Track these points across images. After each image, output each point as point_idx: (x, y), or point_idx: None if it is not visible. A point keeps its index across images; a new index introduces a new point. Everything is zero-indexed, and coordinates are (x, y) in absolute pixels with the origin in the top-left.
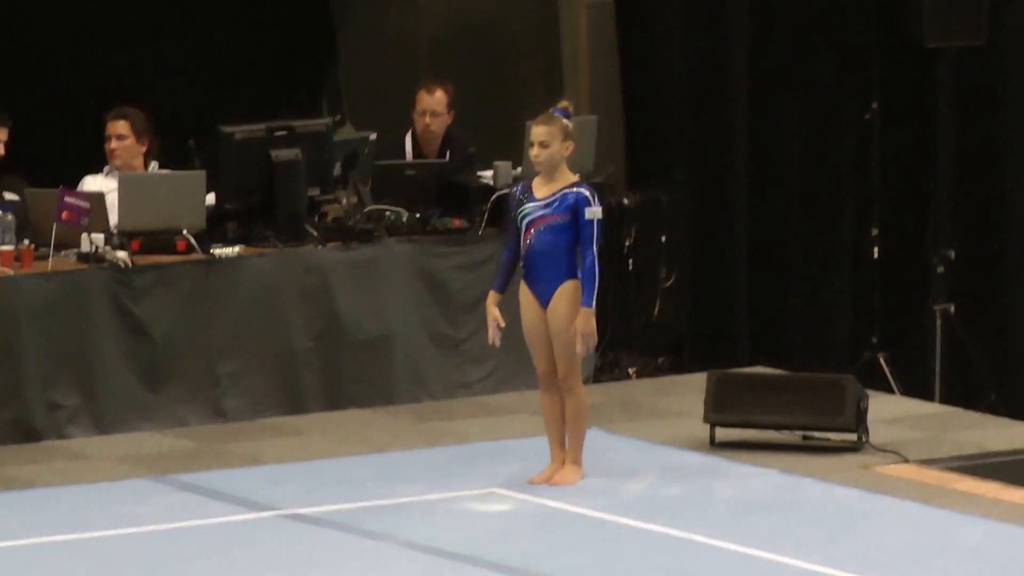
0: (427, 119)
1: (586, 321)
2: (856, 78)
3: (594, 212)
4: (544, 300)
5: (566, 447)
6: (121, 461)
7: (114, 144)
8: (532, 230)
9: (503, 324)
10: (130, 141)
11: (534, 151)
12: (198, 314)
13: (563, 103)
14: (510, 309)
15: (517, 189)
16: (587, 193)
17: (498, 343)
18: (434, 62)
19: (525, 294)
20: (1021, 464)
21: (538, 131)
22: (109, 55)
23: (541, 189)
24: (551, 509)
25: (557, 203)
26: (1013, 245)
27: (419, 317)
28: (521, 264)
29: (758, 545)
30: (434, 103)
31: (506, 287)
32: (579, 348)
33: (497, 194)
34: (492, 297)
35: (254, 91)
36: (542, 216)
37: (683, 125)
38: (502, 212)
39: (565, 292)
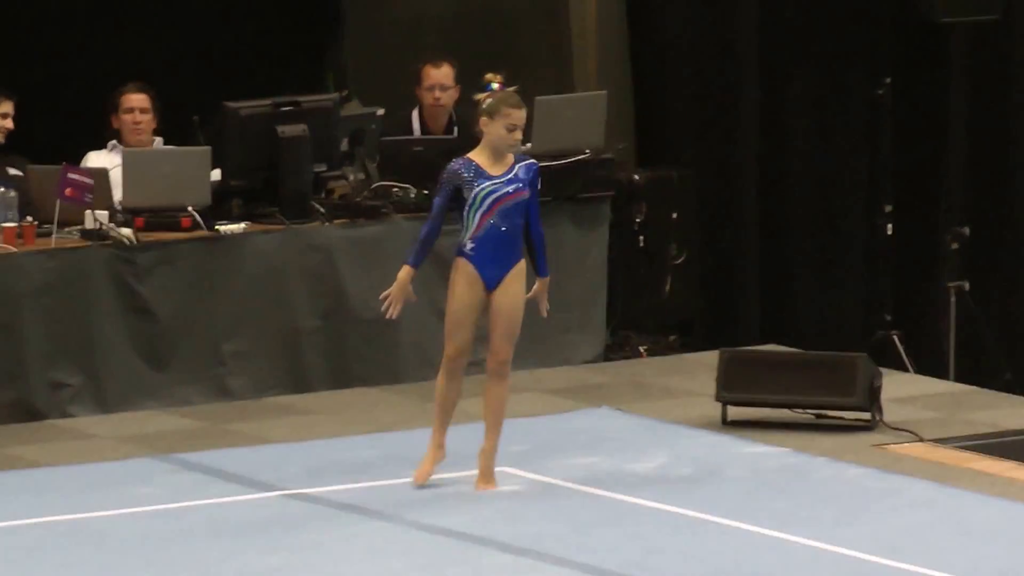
0: (436, 93)
1: (547, 289)
2: (868, 53)
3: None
4: (493, 283)
5: (485, 440)
6: (124, 441)
7: (139, 117)
8: (497, 209)
9: (415, 299)
10: (151, 115)
11: (517, 135)
12: (203, 292)
13: (490, 76)
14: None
15: (459, 165)
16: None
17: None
18: (441, 38)
19: (469, 274)
20: None
21: (523, 115)
22: (112, 31)
23: (493, 167)
24: (561, 489)
25: (516, 177)
26: None
27: (426, 295)
28: (472, 245)
29: (770, 525)
30: (442, 76)
31: (422, 263)
32: (546, 313)
33: None
34: (407, 272)
35: (260, 66)
36: (509, 194)
37: (693, 102)
38: None
39: (518, 273)
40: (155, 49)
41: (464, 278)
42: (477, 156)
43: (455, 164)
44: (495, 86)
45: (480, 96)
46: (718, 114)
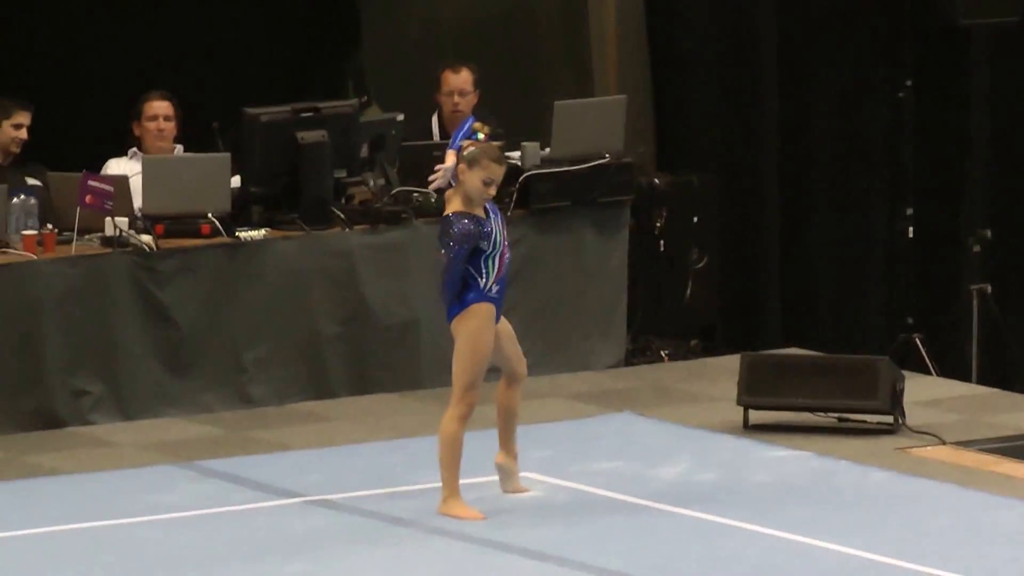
0: (455, 99)
1: None
2: (889, 56)
3: None
4: (497, 318)
5: (513, 446)
6: (146, 448)
7: (163, 124)
8: (506, 246)
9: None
10: (174, 123)
11: (492, 190)
12: (223, 299)
13: (478, 126)
14: None
15: (469, 223)
16: None
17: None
18: (460, 42)
19: (492, 318)
20: None
21: (502, 172)
22: (131, 38)
23: (479, 211)
24: (584, 494)
25: (495, 212)
26: None
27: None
28: (497, 288)
29: (793, 529)
30: (461, 82)
31: None
32: None
33: (525, 175)
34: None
35: (279, 73)
36: (503, 230)
37: (713, 105)
38: (530, 194)
39: None
40: (174, 56)
41: (490, 325)
42: (466, 207)
43: (466, 225)
44: (481, 136)
45: (464, 143)
46: (739, 118)
